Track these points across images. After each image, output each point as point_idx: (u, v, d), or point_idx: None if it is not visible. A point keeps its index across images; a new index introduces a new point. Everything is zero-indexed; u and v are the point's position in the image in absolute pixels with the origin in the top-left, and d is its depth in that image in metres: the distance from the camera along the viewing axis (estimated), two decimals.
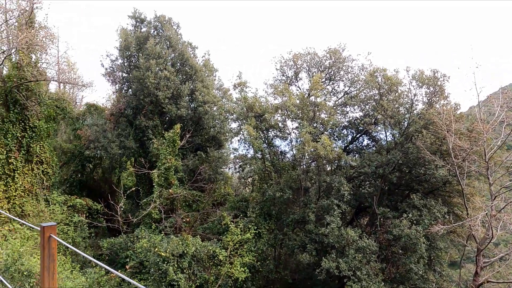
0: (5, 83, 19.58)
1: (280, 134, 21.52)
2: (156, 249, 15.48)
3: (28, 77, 19.86)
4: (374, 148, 20.98)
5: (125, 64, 25.91)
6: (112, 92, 28.39)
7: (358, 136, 22.07)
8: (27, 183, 20.51)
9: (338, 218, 16.90)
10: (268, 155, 21.28)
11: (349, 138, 22.17)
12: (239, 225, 18.67)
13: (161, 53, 23.95)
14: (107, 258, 19.89)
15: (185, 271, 15.66)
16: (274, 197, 18.87)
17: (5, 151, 19.76)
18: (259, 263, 18.05)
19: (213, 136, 25.83)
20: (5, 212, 18.87)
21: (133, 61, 25.47)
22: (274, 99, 21.75)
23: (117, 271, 18.26)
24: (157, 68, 23.46)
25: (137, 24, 26.09)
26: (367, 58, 23.99)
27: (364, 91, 21.04)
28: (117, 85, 27.20)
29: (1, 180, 19.58)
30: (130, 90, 25.99)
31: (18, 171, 20.16)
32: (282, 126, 21.22)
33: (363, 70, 21.65)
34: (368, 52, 21.94)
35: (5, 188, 19.63)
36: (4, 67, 20.41)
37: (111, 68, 26.45)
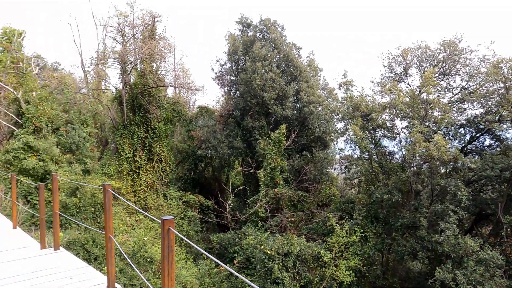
0: (132, 90, 22.01)
1: (388, 134, 20.48)
2: (262, 246, 15.91)
3: (150, 84, 22.05)
4: (498, 149, 18.72)
5: (233, 67, 27.16)
6: (221, 95, 29.98)
7: (478, 135, 19.92)
8: (149, 179, 22.75)
9: (455, 225, 15.47)
10: (375, 156, 20.42)
11: (467, 137, 20.13)
12: (344, 227, 18.25)
13: (267, 56, 24.58)
14: (216, 252, 21.04)
15: (289, 270, 15.82)
16: (382, 200, 18.04)
17: (132, 151, 22.20)
18: (365, 267, 17.41)
19: (319, 136, 25.66)
20: (132, 204, 21.19)
21: (241, 65, 26.58)
22: (382, 98, 20.80)
23: (226, 265, 19.27)
24: (263, 70, 24.12)
25: (244, 28, 27.16)
26: (489, 48, 21.46)
27: (486, 85, 18.91)
28: (225, 88, 28.66)
29: (129, 176, 22.03)
30: (237, 92, 27.16)
31: (142, 168, 22.48)
32: (390, 125, 20.17)
33: (484, 62, 19.45)
34: (490, 41, 19.67)
35: (132, 183, 22.04)
36: (131, 76, 22.92)
37: (220, 72, 27.97)
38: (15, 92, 18.48)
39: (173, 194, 23.25)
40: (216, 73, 27.98)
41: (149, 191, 22.67)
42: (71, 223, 12.07)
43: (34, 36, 53.92)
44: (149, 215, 4.09)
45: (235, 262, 18.64)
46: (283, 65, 25.92)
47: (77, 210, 13.01)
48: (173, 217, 3.70)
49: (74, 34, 38.99)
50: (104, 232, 5.03)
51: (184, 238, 3.57)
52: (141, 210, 4.66)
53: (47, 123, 17.67)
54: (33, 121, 17.19)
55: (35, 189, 14.66)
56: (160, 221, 3.58)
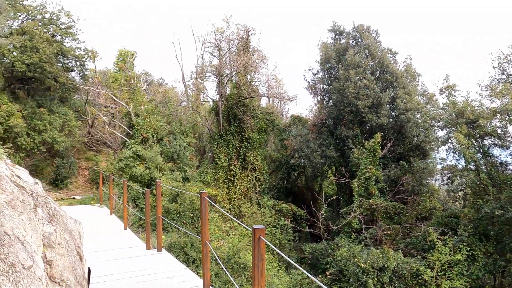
0: (227, 101, 23.10)
1: (500, 143, 18.52)
2: (356, 259, 15.43)
3: (245, 95, 22.92)
4: None
5: (326, 76, 26.97)
6: (314, 104, 29.90)
7: None
8: (244, 187, 23.54)
9: None
10: (483, 167, 18.59)
11: None
12: (447, 243, 16.86)
13: (360, 63, 23.97)
14: (309, 262, 20.89)
15: (385, 286, 15.09)
16: (493, 216, 16.31)
17: (227, 159, 23.23)
18: None
19: (417, 145, 24.18)
20: (226, 211, 22.13)
21: (333, 73, 26.29)
22: (491, 102, 18.92)
23: (318, 275, 19.05)
24: (357, 78, 23.56)
25: (336, 36, 26.84)
26: None
27: None
28: (318, 97, 28.54)
29: (225, 184, 23.06)
30: (330, 101, 26.86)
31: (237, 177, 23.37)
32: (502, 132, 18.23)
33: None
34: None
35: (227, 191, 23.02)
36: (227, 88, 24.07)
37: (313, 81, 27.95)
38: (127, 107, 20.59)
39: (266, 203, 23.71)
40: (308, 82, 28.04)
41: (243, 199, 23.43)
42: (172, 227, 13.04)
43: (143, 56, 59.59)
44: (241, 223, 4.27)
45: (327, 273, 18.32)
46: (378, 72, 25.02)
47: (178, 215, 14.05)
48: (264, 227, 3.75)
49: (177, 51, 42.47)
50: (201, 237, 5.37)
51: (275, 248, 3.66)
52: (233, 218, 4.89)
53: (152, 134, 19.36)
54: (141, 132, 18.96)
55: (142, 194, 16.13)
56: (251, 230, 3.68)
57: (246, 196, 23.78)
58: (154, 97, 27.07)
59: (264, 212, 22.61)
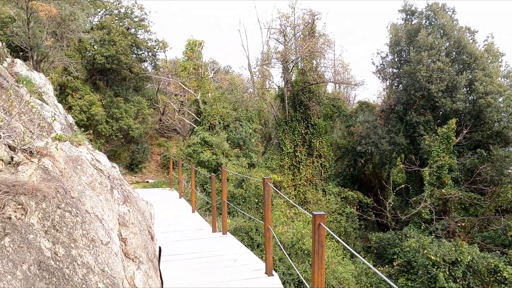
0: (293, 87, 23.02)
1: None
2: (426, 251, 14.79)
3: (310, 81, 22.67)
4: None
5: (395, 59, 25.78)
6: (383, 89, 28.78)
7: None
8: (309, 174, 23.47)
9: None
10: None
11: None
12: None
13: (434, 44, 22.55)
14: (375, 251, 20.43)
15: (458, 281, 14.32)
16: None
17: (293, 146, 23.27)
18: None
19: (498, 132, 22.38)
20: (292, 198, 22.26)
21: (404, 56, 25.04)
22: None
23: (385, 266, 18.56)
24: (429, 60, 22.22)
25: (407, 17, 25.46)
26: None
27: None
28: (387, 82, 27.42)
29: (290, 170, 23.17)
30: (400, 85, 25.70)
31: (302, 163, 23.35)
32: None
33: None
34: None
35: (292, 177, 23.12)
36: (293, 74, 23.95)
37: (381, 65, 26.87)
38: (195, 94, 21.34)
39: (332, 190, 23.46)
40: (377, 66, 27.00)
41: (308, 186, 23.40)
42: (238, 212, 13.43)
43: (211, 44, 61.08)
44: (303, 210, 4.29)
45: (395, 264, 17.81)
46: (454, 53, 23.39)
47: (243, 200, 14.43)
48: (324, 213, 3.72)
49: (243, 39, 42.98)
50: (264, 222, 5.50)
51: (334, 235, 3.65)
52: (296, 204, 4.94)
53: (219, 121, 19.92)
54: (209, 119, 19.58)
55: (209, 179, 16.75)
56: (311, 216, 3.66)
57: (311, 183, 23.70)
58: (220, 84, 27.74)
59: (329, 199, 22.41)
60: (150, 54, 24.00)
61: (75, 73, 18.89)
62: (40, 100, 7.33)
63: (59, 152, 3.91)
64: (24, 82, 7.29)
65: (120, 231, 4.22)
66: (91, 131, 18.15)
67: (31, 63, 12.78)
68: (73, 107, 18.49)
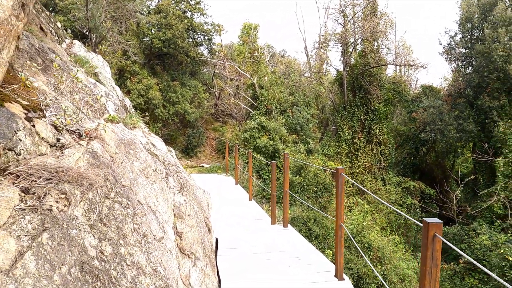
0: (352, 70, 21.84)
1: None
2: (502, 250, 13.41)
3: (371, 63, 21.36)
4: None
5: (466, 38, 23.64)
6: (450, 72, 26.64)
7: None
8: (368, 162, 22.34)
9: None
10: None
11: None
12: None
13: None
14: None
15: None
16: None
17: (351, 132, 22.21)
18: None
19: None
20: (349, 187, 21.32)
21: (476, 34, 22.89)
22: None
23: (450, 262, 17.25)
24: (507, 38, 20.03)
25: None
26: None
27: None
28: (455, 63, 25.32)
29: (348, 158, 22.17)
30: (470, 67, 23.59)
31: (361, 151, 22.25)
32: None
33: None
34: None
35: (350, 165, 22.12)
36: (352, 57, 22.72)
37: (449, 45, 24.77)
38: (251, 78, 20.87)
39: (392, 179, 22.19)
40: (444, 46, 24.93)
41: (366, 174, 22.30)
42: (296, 200, 12.87)
43: (266, 28, 60.25)
44: (408, 217, 3.61)
45: (460, 261, 16.50)
46: None
47: (301, 189, 13.82)
48: (441, 221, 2.78)
49: (299, 21, 41.73)
50: (335, 219, 4.87)
51: (453, 246, 2.85)
52: (376, 197, 4.25)
53: (276, 105, 19.33)
54: (265, 103, 19.05)
55: (266, 166, 16.29)
56: (421, 224, 2.76)
57: (370, 171, 22.56)
58: (277, 68, 27.05)
59: (389, 189, 21.20)
60: (206, 38, 23.81)
61: (133, 57, 19.08)
62: (96, 80, 7.16)
63: (110, 135, 3.52)
64: (81, 62, 7.12)
65: (176, 224, 3.80)
66: (147, 114, 18.33)
67: (90, 45, 12.95)
68: (132, 91, 18.74)
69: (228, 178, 12.85)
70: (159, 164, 4.16)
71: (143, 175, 3.55)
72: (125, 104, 5.17)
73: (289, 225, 6.79)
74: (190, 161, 22.23)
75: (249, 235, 6.38)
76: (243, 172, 13.82)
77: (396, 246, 13.90)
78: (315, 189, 14.02)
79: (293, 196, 12.19)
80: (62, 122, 3.11)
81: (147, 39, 21.14)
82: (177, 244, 3.68)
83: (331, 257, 7.45)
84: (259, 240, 6.06)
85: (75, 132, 3.19)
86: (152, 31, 20.12)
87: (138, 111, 18.28)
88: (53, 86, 3.94)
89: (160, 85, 20.48)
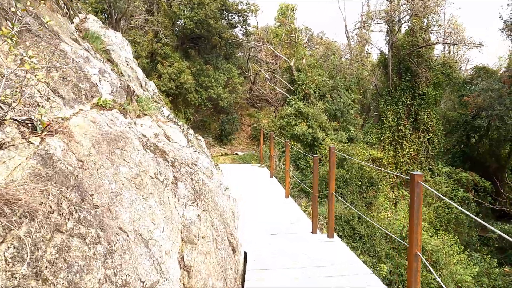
0: (399, 51, 19.94)
1: None
2: None
3: (420, 43, 19.40)
4: None
5: None
6: (510, 50, 24.03)
7: None
8: (413, 150, 20.54)
9: None
10: None
11: None
12: None
13: None
14: (496, 245, 17.28)
15: None
16: None
17: (396, 119, 20.44)
18: None
19: None
20: (393, 177, 19.67)
21: None
22: None
23: (510, 265, 15.46)
24: None
25: None
26: None
27: None
28: None
29: (391, 146, 20.47)
30: None
31: (406, 139, 20.46)
32: None
33: None
34: None
35: (394, 154, 20.42)
36: (397, 36, 20.77)
37: (510, 21, 22.18)
38: (288, 61, 19.51)
39: (441, 170, 20.30)
40: (505, 21, 22.32)
41: (412, 164, 20.52)
42: (337, 196, 11.57)
43: (303, 8, 58.00)
44: (468, 213, 2.36)
45: None
46: None
47: (344, 183, 12.47)
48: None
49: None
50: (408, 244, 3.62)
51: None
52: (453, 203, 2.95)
53: (314, 90, 17.92)
54: (303, 88, 17.69)
55: (303, 155, 15.03)
56: None
57: (416, 161, 20.74)
58: (315, 50, 25.46)
59: (439, 181, 19.35)
60: (240, 18, 22.52)
61: (165, 39, 18.16)
62: (108, 58, 6.16)
63: (85, 127, 2.44)
64: (91, 38, 6.15)
65: (183, 252, 2.70)
66: (166, 100, 17.38)
67: (112, 23, 12.09)
68: (163, 75, 17.87)
69: (262, 170, 11.72)
70: (164, 166, 3.06)
71: (132, 186, 2.45)
72: (128, 86, 4.09)
73: (335, 235, 5.56)
74: (224, 148, 21.29)
75: (285, 246, 5.23)
76: (279, 163, 12.65)
77: (450, 247, 12.30)
78: (359, 183, 12.62)
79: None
80: (2, 108, 2.05)
81: (181, 22, 20.18)
82: (184, 284, 2.57)
83: (385, 273, 6.20)
84: (298, 254, 4.89)
85: (25, 123, 2.12)
86: (184, 11, 19.08)
87: (169, 96, 17.40)
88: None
89: (193, 69, 19.50)
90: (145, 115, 4.49)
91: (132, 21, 15.58)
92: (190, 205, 3.13)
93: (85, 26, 7.03)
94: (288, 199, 8.18)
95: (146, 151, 2.92)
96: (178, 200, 3.01)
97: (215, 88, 19.54)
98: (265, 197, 8.33)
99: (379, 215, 12.66)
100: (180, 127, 8.45)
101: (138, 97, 4.52)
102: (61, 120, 2.41)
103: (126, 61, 7.78)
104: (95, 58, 3.96)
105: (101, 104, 3.12)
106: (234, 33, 23.27)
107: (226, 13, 21.82)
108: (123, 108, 3.41)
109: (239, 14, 22.33)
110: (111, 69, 5.24)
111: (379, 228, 10.16)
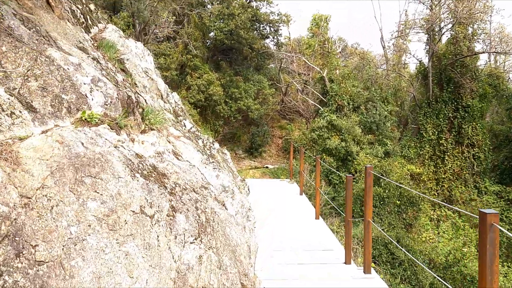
0: (440, 61, 18.81)
1: None
2: None
3: (464, 52, 18.20)
4: None
5: None
6: None
7: None
8: (456, 166, 19.19)
9: None
10: None
11: None
12: None
13: None
14: None
15: None
16: None
17: (436, 132, 19.22)
18: None
19: None
20: (434, 194, 18.38)
21: None
22: None
23: None
24: None
25: None
26: None
27: None
28: None
29: (432, 161, 19.22)
30: None
31: (448, 153, 19.17)
32: None
33: None
34: None
35: (434, 170, 19.16)
36: (436, 45, 19.64)
37: None
38: (321, 71, 18.81)
39: (489, 188, 18.78)
40: None
41: (455, 181, 19.14)
42: (374, 216, 10.68)
43: (337, 19, 57.17)
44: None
45: None
46: None
47: (380, 202, 11.53)
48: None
49: (375, 8, 38.36)
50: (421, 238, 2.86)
51: None
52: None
53: (348, 101, 17.09)
54: (336, 99, 16.92)
55: (336, 169, 14.19)
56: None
57: (460, 177, 19.34)
58: (349, 61, 24.60)
59: (487, 200, 17.86)
60: (272, 29, 22.08)
61: (194, 51, 17.92)
62: (122, 68, 5.74)
63: (44, 150, 1.89)
64: (106, 47, 5.74)
65: None
66: (194, 112, 16.99)
67: (135, 33, 11.88)
68: (192, 87, 17.60)
69: (292, 186, 11.01)
70: (158, 195, 2.47)
71: (103, 228, 1.87)
72: (129, 96, 3.56)
73: (372, 270, 4.78)
74: (254, 161, 20.71)
75: (315, 282, 4.51)
76: (310, 178, 11.89)
77: (505, 276, 11.01)
78: (398, 202, 11.63)
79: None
80: None
81: (212, 34, 19.97)
82: None
83: None
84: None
85: None
86: (215, 23, 18.83)
87: (198, 108, 17.05)
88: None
89: (222, 80, 19.15)
90: (152, 129, 3.97)
91: (159, 33, 15.42)
92: (191, 243, 2.52)
93: (102, 35, 6.68)
94: (319, 221, 7.44)
95: (134, 177, 2.35)
96: (175, 238, 2.41)
97: (245, 99, 19.07)
98: (293, 218, 7.63)
99: (420, 237, 11.61)
100: (201, 141, 7.85)
101: (143, 109, 4.00)
102: (17, 140, 1.88)
103: (146, 72, 7.37)
104: (99, 69, 3.48)
105: (85, 119, 2.59)
106: (265, 44, 22.84)
107: (258, 24, 21.44)
108: (116, 123, 2.87)
109: (271, 25, 21.90)
110: (101, 78, 4.77)
111: (421, 253, 9.18)
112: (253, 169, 18.91)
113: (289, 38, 27.19)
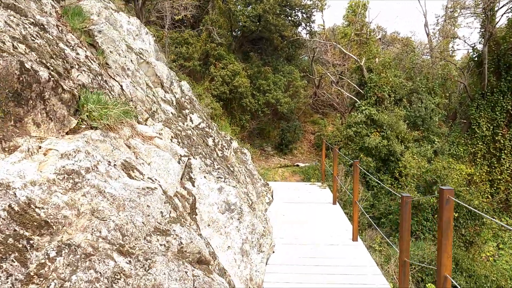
0: (498, 45, 16.43)
1: None
2: None
3: None
4: None
5: None
6: None
7: None
8: None
9: None
10: None
11: None
12: None
13: None
14: None
15: None
16: None
17: (491, 127, 16.90)
18: None
19: None
20: (487, 197, 16.15)
21: None
22: None
23: None
24: None
25: None
26: None
27: None
28: None
29: (485, 160, 16.94)
30: None
31: (505, 151, 16.81)
32: None
33: None
34: None
35: (488, 170, 16.87)
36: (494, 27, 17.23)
37: None
38: (358, 60, 16.90)
39: None
40: None
41: None
42: (424, 231, 8.86)
43: (376, 6, 54.20)
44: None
45: None
46: None
47: (432, 214, 9.60)
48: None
49: None
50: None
51: None
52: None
53: (389, 93, 15.14)
54: (375, 91, 15.00)
55: (375, 171, 12.36)
56: None
57: None
58: (389, 50, 22.44)
59: None
60: (304, 15, 20.27)
61: (218, 39, 16.47)
62: (91, 42, 4.31)
63: None
64: (71, 14, 4.45)
65: None
66: (217, 105, 15.48)
67: (135, 9, 10.47)
68: (215, 78, 16.18)
69: (323, 192, 9.34)
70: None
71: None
72: (38, 80, 2.03)
73: None
74: (284, 158, 19.10)
75: None
76: (345, 182, 10.18)
77: None
78: (456, 214, 9.67)
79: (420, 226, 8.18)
80: None
81: (240, 23, 18.47)
82: None
83: None
84: None
85: None
86: (239, 7, 17.29)
87: (222, 101, 15.56)
88: None
89: (249, 71, 17.61)
90: (92, 128, 2.47)
91: (175, 16, 14.05)
92: None
93: (81, 3, 5.31)
94: (357, 243, 5.79)
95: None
96: None
97: (274, 92, 17.47)
98: (325, 236, 6.00)
99: (480, 254, 9.66)
100: (212, 140, 6.42)
101: (78, 96, 2.52)
102: None
103: (140, 53, 5.95)
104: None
105: None
106: (297, 32, 21.08)
107: (289, 10, 19.69)
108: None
109: (303, 11, 20.08)
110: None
111: (487, 278, 7.31)
112: (282, 168, 17.32)
113: (323, 26, 25.27)
